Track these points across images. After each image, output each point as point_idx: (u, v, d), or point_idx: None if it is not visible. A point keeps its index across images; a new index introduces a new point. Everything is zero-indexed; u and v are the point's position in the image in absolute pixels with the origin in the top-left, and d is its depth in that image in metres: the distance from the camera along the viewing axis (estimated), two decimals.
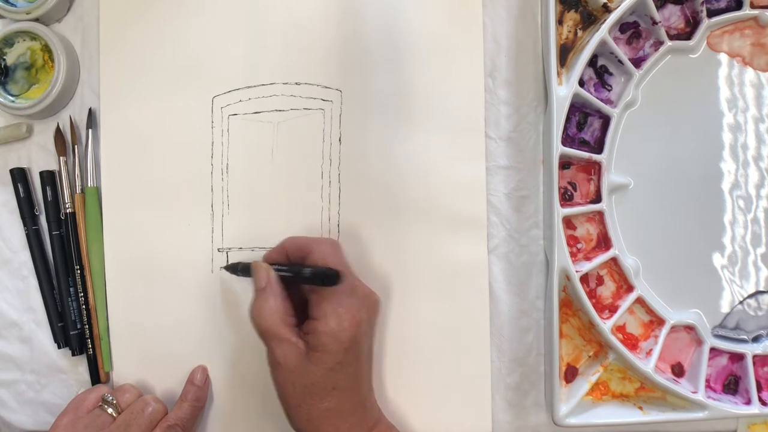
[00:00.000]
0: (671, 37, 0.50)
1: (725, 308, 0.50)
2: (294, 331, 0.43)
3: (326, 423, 0.43)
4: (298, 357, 0.42)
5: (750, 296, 0.50)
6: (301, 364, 0.42)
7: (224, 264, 0.51)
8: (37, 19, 0.50)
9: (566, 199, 0.50)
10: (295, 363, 0.42)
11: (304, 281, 0.44)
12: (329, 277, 0.42)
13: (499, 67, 0.51)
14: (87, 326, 0.51)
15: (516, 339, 0.51)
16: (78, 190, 0.51)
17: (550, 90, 0.48)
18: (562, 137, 0.48)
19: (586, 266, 0.48)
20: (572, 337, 0.50)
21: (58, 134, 0.51)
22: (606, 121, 0.49)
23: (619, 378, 0.50)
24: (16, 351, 0.52)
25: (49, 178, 0.51)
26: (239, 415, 0.51)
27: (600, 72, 0.50)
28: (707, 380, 0.49)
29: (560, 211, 0.48)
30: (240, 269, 0.48)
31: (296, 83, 0.51)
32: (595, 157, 0.49)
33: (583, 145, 0.50)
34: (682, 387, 0.48)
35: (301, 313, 0.44)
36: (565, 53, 0.49)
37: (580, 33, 0.50)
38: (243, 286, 0.51)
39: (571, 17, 0.50)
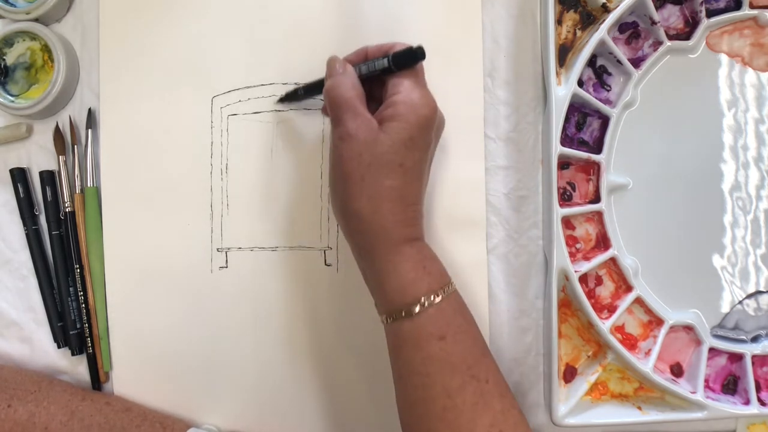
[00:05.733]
0: (670, 37, 0.50)
1: (724, 308, 0.50)
2: (367, 110, 0.42)
3: (386, 202, 0.41)
4: (370, 129, 0.41)
5: (749, 296, 0.50)
6: (373, 135, 0.41)
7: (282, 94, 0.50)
8: (36, 19, 0.50)
9: (565, 199, 0.50)
10: (366, 134, 0.41)
11: (384, 69, 0.43)
12: (414, 53, 0.41)
13: (498, 67, 0.51)
14: (87, 326, 0.51)
15: (515, 339, 0.51)
16: (78, 190, 0.51)
17: (549, 90, 0.48)
18: (561, 137, 0.48)
19: (585, 266, 0.48)
20: (571, 337, 0.50)
21: (58, 134, 0.51)
22: (605, 121, 0.49)
23: (618, 378, 0.50)
24: (16, 351, 0.52)
25: (48, 178, 0.51)
26: (242, 411, 0.51)
27: (599, 72, 0.50)
28: (706, 380, 0.49)
29: (559, 211, 0.48)
30: (303, 89, 0.48)
31: (296, 83, 0.51)
32: (594, 157, 0.49)
33: (582, 145, 0.50)
34: (681, 387, 0.48)
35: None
36: (564, 53, 0.49)
37: (579, 33, 0.50)
38: (243, 287, 0.51)
39: (570, 17, 0.50)
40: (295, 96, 0.49)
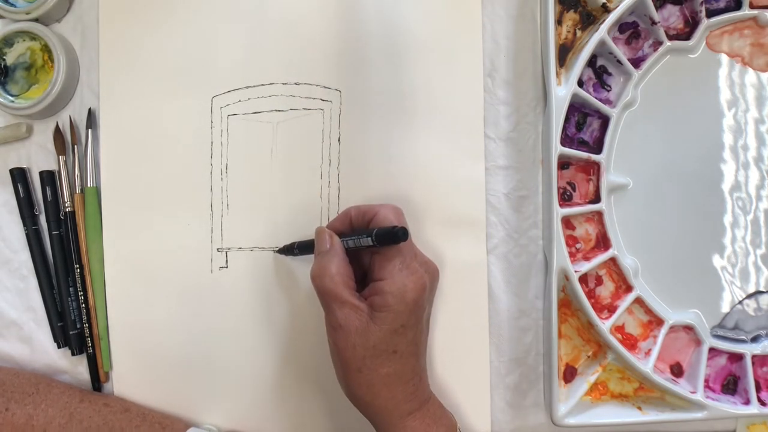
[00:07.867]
0: (670, 38, 0.50)
1: (724, 308, 0.50)
2: (356, 294, 0.43)
3: (385, 389, 0.42)
4: (360, 319, 0.42)
5: (749, 296, 0.50)
6: (363, 325, 0.42)
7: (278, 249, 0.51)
8: (36, 19, 0.50)
9: (565, 199, 0.50)
10: (357, 325, 0.42)
11: (369, 246, 0.43)
12: (396, 234, 0.41)
13: (498, 67, 0.51)
14: (87, 326, 0.51)
15: (515, 339, 0.51)
16: (77, 190, 0.51)
17: (549, 90, 0.48)
18: (561, 137, 0.48)
19: (584, 266, 0.48)
20: (571, 337, 0.50)
21: (58, 133, 0.51)
22: (605, 121, 0.49)
23: (618, 378, 0.50)
24: (16, 351, 0.52)
25: (48, 177, 0.51)
26: (241, 411, 0.51)
27: (599, 72, 0.50)
28: (706, 380, 0.49)
29: (559, 211, 0.48)
30: (297, 247, 0.48)
31: (296, 83, 0.51)
32: (594, 157, 0.49)
33: (582, 145, 0.50)
34: (681, 387, 0.48)
35: (360, 284, 0.44)
36: (564, 53, 0.49)
37: (579, 33, 0.50)
38: (243, 287, 0.51)
39: (570, 17, 0.50)
40: (291, 251, 0.49)
